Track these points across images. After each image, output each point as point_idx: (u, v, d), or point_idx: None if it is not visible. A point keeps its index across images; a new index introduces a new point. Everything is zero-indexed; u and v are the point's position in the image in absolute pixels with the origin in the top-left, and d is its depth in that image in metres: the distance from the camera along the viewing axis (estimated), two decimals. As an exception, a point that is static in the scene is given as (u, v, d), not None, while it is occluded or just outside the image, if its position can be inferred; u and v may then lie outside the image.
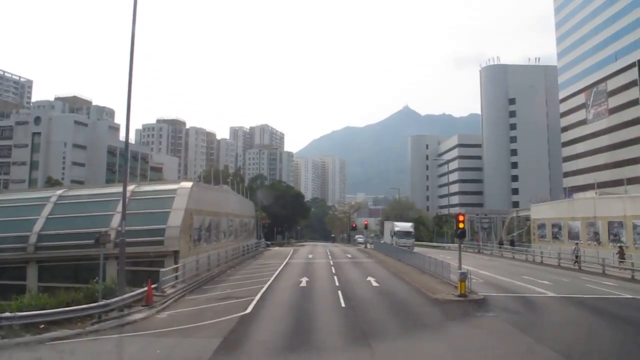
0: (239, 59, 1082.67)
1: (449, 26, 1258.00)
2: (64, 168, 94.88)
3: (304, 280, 28.09)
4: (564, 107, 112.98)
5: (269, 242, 77.00)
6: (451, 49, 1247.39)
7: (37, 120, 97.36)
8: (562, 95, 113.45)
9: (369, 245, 67.63)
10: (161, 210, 27.89)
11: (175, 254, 26.54)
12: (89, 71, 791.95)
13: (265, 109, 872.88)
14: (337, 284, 26.89)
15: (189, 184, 30.32)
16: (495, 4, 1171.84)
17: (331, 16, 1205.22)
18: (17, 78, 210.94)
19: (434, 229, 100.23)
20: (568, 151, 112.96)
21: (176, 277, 25.55)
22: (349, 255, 49.72)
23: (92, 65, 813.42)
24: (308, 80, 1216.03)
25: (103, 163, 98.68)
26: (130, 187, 30.17)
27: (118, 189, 30.63)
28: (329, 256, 47.77)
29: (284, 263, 40.15)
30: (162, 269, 22.87)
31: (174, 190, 29.41)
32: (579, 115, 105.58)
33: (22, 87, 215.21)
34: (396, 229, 60.57)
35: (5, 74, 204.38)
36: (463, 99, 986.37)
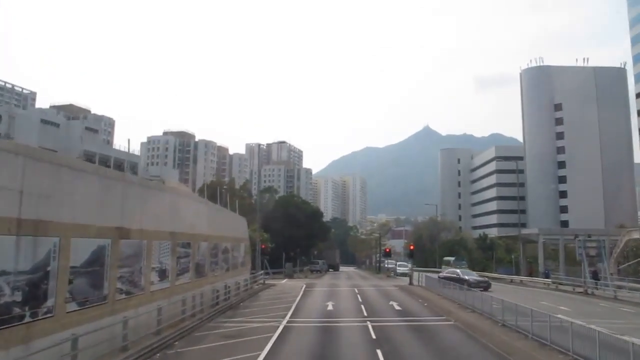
0: (257, 80, 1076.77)
1: (469, 47, 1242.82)
2: (26, 177, 76.57)
3: None
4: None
5: (269, 272, 56.33)
6: (471, 69, 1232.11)
7: (-3, 118, 79.44)
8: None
9: (414, 280, 46.62)
10: None
11: None
12: (93, 85, 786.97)
13: (284, 130, 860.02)
14: None
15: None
16: (513, 24, 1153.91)
17: (350, 37, 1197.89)
18: (20, 89, 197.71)
19: (495, 255, 79.11)
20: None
21: None
22: (399, 307, 28.65)
23: (94, 79, 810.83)
24: (327, 101, 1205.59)
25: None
26: None
27: None
28: (364, 310, 27.16)
29: (273, 339, 18.88)
30: None
31: None
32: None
33: (25, 100, 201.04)
34: None
35: (7, 85, 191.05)
36: (484, 119, 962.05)
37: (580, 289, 40.53)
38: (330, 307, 28.36)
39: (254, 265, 46.24)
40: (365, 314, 25.59)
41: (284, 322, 22.57)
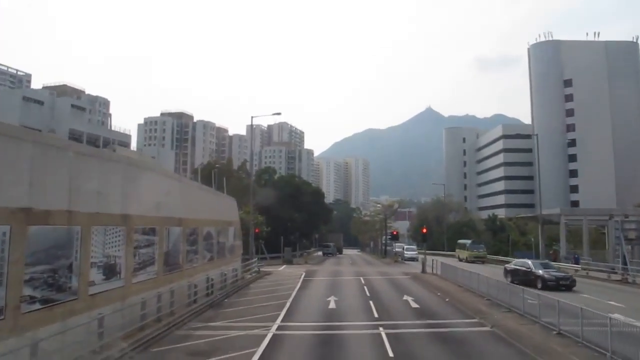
0: (259, 61, 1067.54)
1: (472, 28, 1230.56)
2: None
3: None
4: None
5: (267, 257, 52.50)
6: (474, 51, 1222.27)
7: (-25, 97, 74.43)
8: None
9: (427, 267, 41.54)
10: None
11: None
12: (90, 68, 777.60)
13: (286, 111, 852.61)
14: None
15: None
16: (515, 6, 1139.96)
17: (352, 19, 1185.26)
18: (14, 72, 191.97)
19: (510, 237, 74.12)
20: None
21: None
22: (416, 305, 23.33)
23: (91, 62, 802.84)
24: (329, 83, 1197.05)
25: (62, 152, 74.74)
26: None
27: None
28: (374, 309, 21.76)
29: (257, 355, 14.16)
30: None
31: None
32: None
33: (20, 82, 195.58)
34: None
35: (1, 67, 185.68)
36: (486, 101, 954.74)
37: (617, 277, 35.60)
38: (332, 305, 23.34)
39: (247, 251, 41.46)
40: (376, 315, 20.54)
41: (273, 329, 17.62)
